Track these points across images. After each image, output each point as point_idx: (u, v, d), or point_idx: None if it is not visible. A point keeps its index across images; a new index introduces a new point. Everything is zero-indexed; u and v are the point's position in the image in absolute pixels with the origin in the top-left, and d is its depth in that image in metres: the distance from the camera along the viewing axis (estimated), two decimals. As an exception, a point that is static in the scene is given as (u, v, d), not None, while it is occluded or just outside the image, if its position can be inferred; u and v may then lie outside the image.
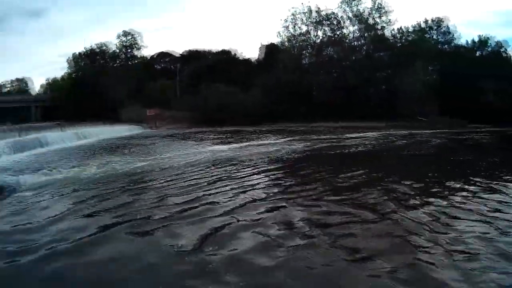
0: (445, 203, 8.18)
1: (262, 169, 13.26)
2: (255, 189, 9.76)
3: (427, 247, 5.47)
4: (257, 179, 11.29)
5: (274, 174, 12.26)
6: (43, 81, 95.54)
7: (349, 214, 7.19)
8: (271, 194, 9.12)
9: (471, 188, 9.86)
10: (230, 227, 6.51)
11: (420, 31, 68.97)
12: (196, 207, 7.89)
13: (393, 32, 68.56)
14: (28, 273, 4.96)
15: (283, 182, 11.01)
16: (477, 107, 55.60)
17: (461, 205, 7.95)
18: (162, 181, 11.10)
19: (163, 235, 6.19)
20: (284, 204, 8.07)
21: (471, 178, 11.22)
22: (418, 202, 8.23)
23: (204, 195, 9.06)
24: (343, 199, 8.51)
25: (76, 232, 6.35)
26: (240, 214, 7.21)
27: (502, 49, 69.93)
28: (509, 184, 10.29)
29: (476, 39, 70.31)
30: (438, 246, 5.47)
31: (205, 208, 7.76)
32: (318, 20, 67.83)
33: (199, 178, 11.37)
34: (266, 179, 11.40)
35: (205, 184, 10.52)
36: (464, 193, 9.21)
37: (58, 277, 4.84)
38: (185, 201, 8.38)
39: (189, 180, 11.12)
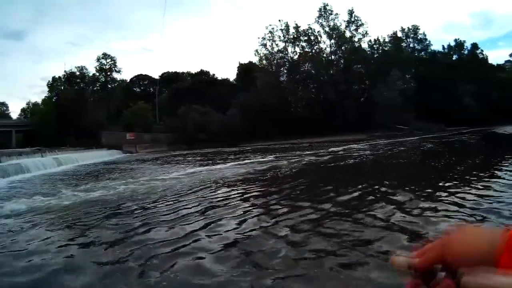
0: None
1: (246, 191, 13.07)
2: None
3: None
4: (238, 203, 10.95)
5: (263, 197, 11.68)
6: (23, 105, 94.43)
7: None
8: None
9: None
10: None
11: (397, 40, 69.91)
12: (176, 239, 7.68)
13: (369, 43, 69.43)
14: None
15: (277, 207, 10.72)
16: (454, 110, 56.94)
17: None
18: (137, 207, 10.89)
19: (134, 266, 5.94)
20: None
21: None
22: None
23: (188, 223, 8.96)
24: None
25: (49, 260, 6.31)
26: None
27: (478, 51, 71.31)
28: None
29: (453, 44, 71.75)
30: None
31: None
32: (295, 36, 68.40)
33: (176, 206, 11.16)
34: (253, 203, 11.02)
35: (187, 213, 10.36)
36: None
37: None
38: (163, 231, 8.07)
39: (165, 207, 10.82)
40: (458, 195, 8.97)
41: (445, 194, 9.22)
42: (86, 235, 7.90)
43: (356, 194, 10.18)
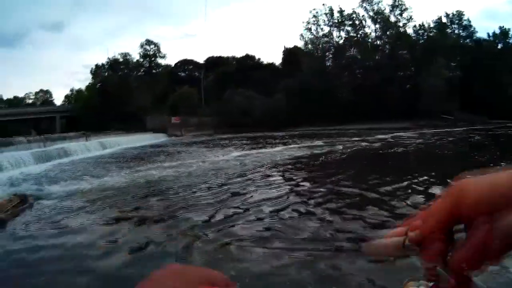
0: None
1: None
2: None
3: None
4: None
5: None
6: (67, 92, 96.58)
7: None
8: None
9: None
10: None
11: (442, 26, 68.10)
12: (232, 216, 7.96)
13: (414, 29, 68.02)
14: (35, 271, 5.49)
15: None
16: (498, 102, 55.34)
17: None
18: (184, 189, 11.19)
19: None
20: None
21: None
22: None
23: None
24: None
25: (86, 244, 6.59)
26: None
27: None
28: None
29: (497, 31, 68.86)
30: None
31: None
32: (340, 20, 67.79)
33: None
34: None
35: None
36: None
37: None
38: (210, 215, 8.29)
39: (216, 189, 11.10)
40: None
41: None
42: (132, 215, 8.31)
43: (404, 184, 10.38)
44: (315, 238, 6.20)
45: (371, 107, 56.28)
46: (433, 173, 11.82)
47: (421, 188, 9.97)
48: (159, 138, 45.44)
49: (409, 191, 9.67)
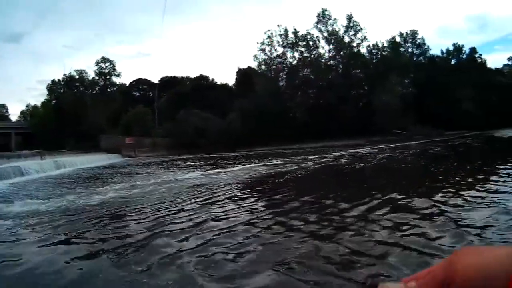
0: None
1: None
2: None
3: None
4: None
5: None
6: (22, 107, 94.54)
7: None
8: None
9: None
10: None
11: (395, 45, 69.99)
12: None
13: (368, 48, 69.57)
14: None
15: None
16: (453, 115, 57.37)
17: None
18: (136, 212, 10.77)
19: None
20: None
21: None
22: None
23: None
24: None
25: (37, 268, 6.19)
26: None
27: (477, 55, 71.42)
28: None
29: (451, 48, 71.91)
30: None
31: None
32: (294, 41, 68.47)
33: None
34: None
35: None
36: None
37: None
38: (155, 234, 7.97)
39: (163, 210, 10.69)
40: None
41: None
42: (86, 238, 7.93)
43: (370, 202, 9.97)
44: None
45: (325, 126, 56.72)
46: (400, 186, 11.77)
47: (401, 203, 9.58)
48: (113, 158, 44.76)
49: (387, 209, 8.99)
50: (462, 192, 10.07)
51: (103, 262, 6.35)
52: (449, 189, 10.54)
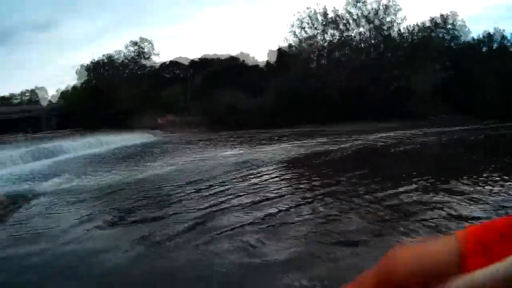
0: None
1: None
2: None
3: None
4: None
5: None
6: (55, 92, 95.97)
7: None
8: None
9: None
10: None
11: (428, 29, 68.86)
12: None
13: (400, 31, 68.63)
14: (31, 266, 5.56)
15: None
16: (483, 103, 56.40)
17: None
18: (176, 188, 11.17)
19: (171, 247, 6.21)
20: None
21: None
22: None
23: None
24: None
25: (80, 238, 6.69)
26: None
27: (508, 43, 69.87)
28: None
29: (484, 35, 70.22)
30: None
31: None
32: (325, 23, 68.05)
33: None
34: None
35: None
36: None
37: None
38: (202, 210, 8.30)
39: (204, 188, 11.02)
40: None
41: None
42: (130, 213, 8.36)
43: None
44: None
45: (356, 108, 56.66)
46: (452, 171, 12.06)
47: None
48: (149, 137, 45.50)
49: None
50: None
51: (151, 241, 6.56)
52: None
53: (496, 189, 9.72)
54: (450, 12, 70.16)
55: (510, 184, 10.15)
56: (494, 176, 11.29)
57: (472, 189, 9.71)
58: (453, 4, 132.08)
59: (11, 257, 6.19)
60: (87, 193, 10.92)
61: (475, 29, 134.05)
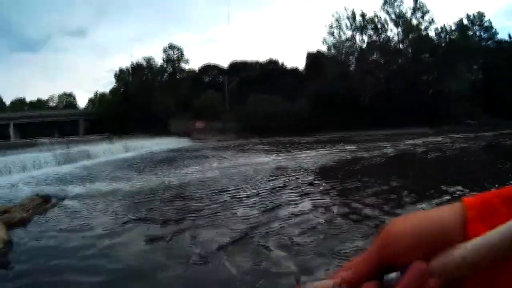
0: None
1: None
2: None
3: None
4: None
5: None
6: (90, 96, 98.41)
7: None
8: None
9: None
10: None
11: (463, 28, 67.52)
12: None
13: (436, 31, 67.81)
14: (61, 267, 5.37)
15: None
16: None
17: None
18: (214, 194, 10.72)
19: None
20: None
21: None
22: None
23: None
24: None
25: (104, 240, 6.56)
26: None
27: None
28: None
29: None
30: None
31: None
32: (362, 24, 67.84)
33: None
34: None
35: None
36: None
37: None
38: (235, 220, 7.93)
39: (236, 196, 10.41)
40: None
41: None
42: (157, 218, 8.04)
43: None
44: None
45: (393, 113, 55.89)
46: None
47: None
48: (183, 142, 46.01)
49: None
50: None
51: (179, 245, 6.32)
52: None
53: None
54: (477, 12, 68.47)
55: None
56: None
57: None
58: (476, 2, 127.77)
59: (39, 253, 6.17)
60: (117, 196, 10.89)
61: (502, 28, 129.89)
